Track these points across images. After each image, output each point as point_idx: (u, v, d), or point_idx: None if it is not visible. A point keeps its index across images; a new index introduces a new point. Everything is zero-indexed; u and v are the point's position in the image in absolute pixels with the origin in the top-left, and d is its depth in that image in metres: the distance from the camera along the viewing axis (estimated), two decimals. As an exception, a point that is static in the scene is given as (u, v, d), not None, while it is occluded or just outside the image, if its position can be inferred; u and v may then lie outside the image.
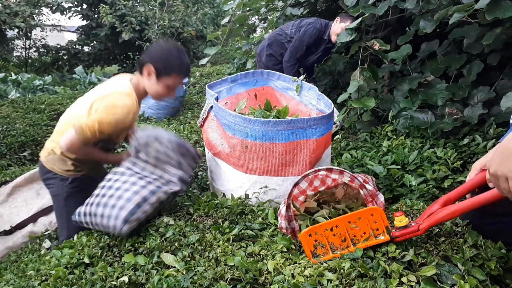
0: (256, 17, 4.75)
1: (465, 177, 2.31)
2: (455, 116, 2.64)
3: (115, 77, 1.91)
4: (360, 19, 2.80)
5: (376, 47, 2.86)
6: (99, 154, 1.81)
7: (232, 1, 3.19)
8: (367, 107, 2.92)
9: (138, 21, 11.09)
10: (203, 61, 3.17)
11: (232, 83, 1.95)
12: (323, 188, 1.26)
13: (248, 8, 4.66)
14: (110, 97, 1.71)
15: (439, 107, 2.76)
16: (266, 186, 1.56)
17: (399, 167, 2.48)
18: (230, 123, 1.55)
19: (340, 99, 3.04)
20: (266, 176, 1.56)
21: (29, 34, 11.94)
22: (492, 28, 2.38)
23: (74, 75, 10.68)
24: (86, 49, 13.92)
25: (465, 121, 2.60)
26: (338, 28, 3.49)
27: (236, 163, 1.60)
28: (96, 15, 12.05)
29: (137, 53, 13.33)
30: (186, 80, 5.42)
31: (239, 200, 1.56)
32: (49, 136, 4.02)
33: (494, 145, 2.43)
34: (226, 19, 3.28)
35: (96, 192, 1.61)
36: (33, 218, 2.31)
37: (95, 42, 13.20)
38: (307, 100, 1.87)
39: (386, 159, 2.64)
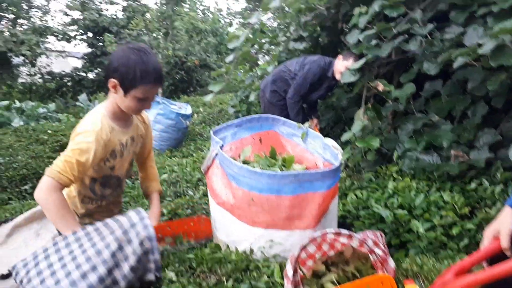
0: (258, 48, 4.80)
1: (474, 224, 2.27)
2: (461, 159, 2.62)
3: (93, 110, 1.73)
4: (363, 60, 2.81)
5: (380, 88, 2.87)
6: (66, 209, 1.54)
7: (236, 40, 3.24)
8: (371, 147, 2.90)
9: (142, 50, 11.26)
10: (207, 97, 3.18)
11: (237, 127, 1.94)
12: (332, 253, 1.22)
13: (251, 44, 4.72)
14: (78, 136, 1.57)
15: (445, 149, 2.73)
16: (271, 241, 1.52)
17: (405, 212, 2.44)
18: (236, 174, 1.52)
19: (344, 138, 3.03)
20: (272, 229, 1.53)
21: (34, 62, 12.11)
22: (496, 72, 2.38)
23: (77, 103, 10.74)
24: (90, 75, 14.11)
25: (472, 165, 2.57)
26: (341, 66, 3.52)
27: (241, 215, 1.57)
28: (101, 43, 12.25)
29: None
30: (189, 112, 5.46)
31: (243, 255, 1.52)
32: (51, 170, 4.04)
33: (502, 191, 2.40)
34: (230, 57, 3.31)
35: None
36: (32, 262, 2.26)
37: (99, 69, 13.38)
38: (313, 148, 1.85)
39: (392, 201, 2.60)
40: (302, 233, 1.53)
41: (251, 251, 1.54)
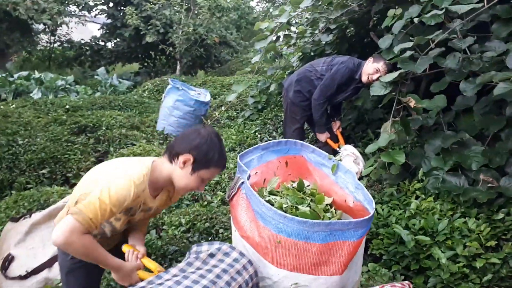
0: (284, 44, 4.67)
1: (499, 258, 2.20)
2: (490, 185, 2.52)
3: (137, 159, 1.68)
4: (396, 73, 2.69)
5: (412, 104, 2.75)
6: (100, 251, 1.49)
7: (263, 40, 3.12)
8: (396, 163, 2.82)
9: (163, 24, 11.10)
10: (230, 97, 3.11)
11: (263, 150, 1.87)
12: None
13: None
14: (117, 180, 1.50)
15: (474, 172, 2.64)
16: (296, 283, 1.49)
17: (428, 238, 2.37)
18: (263, 213, 1.47)
19: (369, 150, 2.94)
20: (297, 272, 1.49)
21: (55, 32, 12.06)
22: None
23: (96, 76, 10.73)
24: (109, 45, 14.03)
25: (501, 192, 2.48)
26: (371, 69, 3.39)
27: (266, 254, 1.53)
28: (121, 15, 12.10)
29: (159, 53, 13.38)
30: (208, 99, 5.39)
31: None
32: (68, 154, 4.05)
33: (531, 223, 2.31)
34: (256, 58, 3.21)
35: None
36: (50, 263, 2.27)
37: (118, 40, 13.27)
38: (343, 183, 1.78)
39: (413, 223, 2.54)
40: (329, 279, 1.50)
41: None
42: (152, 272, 1.60)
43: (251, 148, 1.84)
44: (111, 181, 1.48)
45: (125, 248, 1.71)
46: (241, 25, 15.15)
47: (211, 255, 1.47)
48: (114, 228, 1.62)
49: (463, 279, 2.21)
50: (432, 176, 2.79)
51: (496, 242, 2.29)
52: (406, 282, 1.47)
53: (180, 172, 1.58)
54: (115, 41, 13.58)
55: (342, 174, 1.80)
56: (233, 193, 1.68)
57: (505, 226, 2.37)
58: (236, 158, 4.03)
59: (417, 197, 2.81)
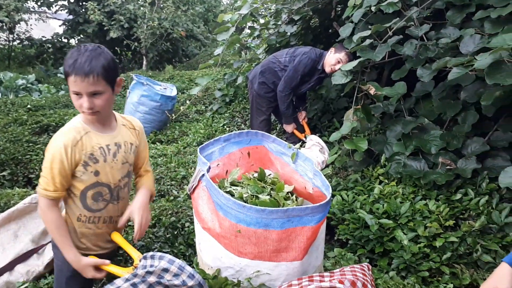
0: (248, 36, 4.65)
1: (457, 237, 2.29)
2: (448, 167, 2.61)
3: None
4: (356, 62, 2.74)
5: (372, 91, 2.81)
6: (63, 231, 1.60)
7: (225, 32, 3.10)
8: (360, 149, 2.87)
9: (127, 19, 10.84)
10: (194, 90, 3.08)
11: (225, 142, 1.87)
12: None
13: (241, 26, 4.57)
14: (48, 145, 1.58)
15: (433, 155, 2.72)
16: (258, 271, 1.50)
17: (390, 221, 2.44)
18: (223, 204, 1.47)
19: (333, 138, 2.98)
20: (258, 260, 1.50)
21: (13, 30, 11.57)
22: (491, 86, 2.34)
23: (59, 74, 10.39)
24: (72, 42, 13.59)
25: (458, 173, 2.57)
26: (333, 59, 3.44)
27: (227, 244, 1.53)
28: (83, 10, 11.73)
29: (125, 49, 13.08)
30: (174, 94, 5.32)
31: (232, 286, 1.49)
32: (30, 155, 3.92)
33: (486, 202, 2.42)
34: (219, 50, 3.19)
35: None
36: (10, 266, 2.19)
37: (81, 36, 12.87)
38: (303, 170, 1.80)
39: (377, 207, 2.60)
40: (289, 265, 1.51)
41: (238, 282, 1.51)
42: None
43: (212, 140, 1.84)
44: (46, 149, 1.58)
45: (113, 236, 1.76)
46: (208, 18, 14.99)
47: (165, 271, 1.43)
48: (105, 185, 1.68)
49: (424, 258, 2.29)
50: (394, 161, 2.86)
51: (454, 222, 2.38)
52: (365, 263, 1.51)
53: None
54: (78, 37, 13.14)
55: (302, 162, 1.81)
56: (194, 186, 1.67)
57: (462, 206, 2.47)
58: (204, 152, 4.02)
59: (380, 182, 2.88)
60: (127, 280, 1.43)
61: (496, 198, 2.43)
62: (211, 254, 1.61)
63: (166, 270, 1.37)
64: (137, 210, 1.70)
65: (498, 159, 2.57)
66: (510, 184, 2.09)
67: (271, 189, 1.68)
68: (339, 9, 4.54)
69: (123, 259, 1.93)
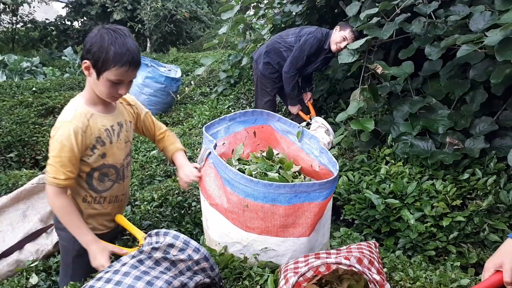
0: (253, 16, 4.58)
1: (464, 216, 2.29)
2: (456, 147, 2.59)
3: (69, 101, 1.67)
4: (363, 40, 2.69)
5: (379, 70, 2.77)
6: (75, 216, 1.59)
7: (230, 11, 3.05)
8: (366, 130, 2.85)
9: (130, 0, 10.75)
10: (199, 71, 3.05)
11: (230, 121, 1.86)
12: (324, 269, 1.20)
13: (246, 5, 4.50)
14: (53, 131, 1.56)
15: (440, 135, 2.70)
16: (265, 247, 1.50)
17: (397, 201, 2.44)
18: (231, 179, 1.47)
19: (339, 118, 2.96)
20: (266, 235, 1.51)
21: (16, 12, 11.50)
22: (500, 64, 2.29)
23: (63, 57, 10.34)
24: (75, 25, 13.51)
25: (466, 153, 2.55)
26: (338, 37, 3.39)
27: (235, 219, 1.55)
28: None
29: (129, 31, 12.98)
30: (179, 75, 5.29)
31: (236, 260, 1.50)
32: (36, 136, 3.94)
33: (494, 181, 2.40)
34: (223, 29, 3.14)
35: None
36: (20, 245, 2.22)
37: (85, 18, 12.80)
38: (309, 148, 1.79)
39: (383, 187, 2.60)
40: (296, 241, 1.52)
41: (245, 259, 1.52)
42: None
43: (217, 119, 1.83)
44: (52, 137, 1.55)
45: (117, 218, 1.80)
46: (212, 0, 14.82)
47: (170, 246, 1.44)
48: (111, 165, 1.69)
49: (430, 238, 2.29)
50: (401, 142, 2.84)
51: (461, 201, 2.37)
52: (372, 241, 1.51)
53: (91, 81, 1.55)
54: (81, 20, 13.09)
55: (307, 140, 1.81)
56: (201, 164, 1.67)
57: (470, 185, 2.45)
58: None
59: (387, 163, 2.87)
60: (133, 257, 1.44)
61: (504, 178, 2.41)
62: (219, 230, 1.62)
63: (171, 245, 1.38)
64: (189, 173, 1.74)
65: (507, 139, 2.54)
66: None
67: (280, 167, 1.68)
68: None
69: (131, 238, 1.94)
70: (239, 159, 1.79)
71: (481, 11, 2.53)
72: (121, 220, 1.81)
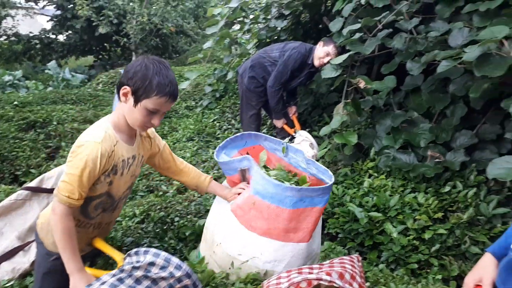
0: (239, 30, 4.62)
1: (446, 229, 2.31)
2: (437, 160, 2.62)
3: (96, 122, 1.65)
4: (346, 55, 2.73)
5: (362, 85, 2.81)
6: (73, 243, 1.52)
7: (215, 26, 3.08)
8: (349, 143, 2.88)
9: (116, 14, 10.75)
10: (184, 85, 3.05)
11: (223, 149, 1.88)
12: (305, 285, 1.19)
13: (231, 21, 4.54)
14: (79, 149, 1.50)
15: (422, 149, 2.73)
16: (264, 250, 1.55)
17: (380, 214, 2.45)
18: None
19: (323, 132, 2.98)
20: (267, 237, 1.55)
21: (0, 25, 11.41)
22: (479, 79, 2.35)
23: (47, 70, 10.26)
24: (60, 38, 13.43)
25: (447, 166, 2.59)
26: (321, 52, 3.43)
27: (241, 216, 1.60)
28: (71, 5, 11.59)
29: (114, 45, 12.97)
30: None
31: (220, 278, 1.48)
32: (16, 151, 3.86)
33: (475, 194, 2.43)
34: (208, 43, 3.16)
35: None
36: (-4, 263, 2.17)
37: (69, 32, 12.73)
38: (296, 162, 1.84)
39: (367, 200, 2.61)
40: (296, 246, 1.56)
41: (226, 275, 1.50)
42: None
43: (216, 151, 1.84)
44: (75, 153, 1.49)
45: (95, 242, 1.76)
46: (198, 14, 14.90)
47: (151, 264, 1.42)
48: (111, 196, 1.66)
49: (413, 251, 2.30)
50: (383, 155, 2.87)
51: (443, 214, 2.39)
52: (355, 255, 1.50)
53: (126, 107, 1.52)
54: (66, 33, 13.01)
55: (293, 154, 1.84)
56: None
57: (451, 198, 2.48)
58: (194, 148, 3.99)
59: (370, 176, 2.88)
60: (113, 275, 1.41)
61: (484, 190, 2.44)
62: (223, 227, 1.67)
63: (152, 263, 1.36)
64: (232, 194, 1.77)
65: (486, 152, 2.59)
66: (497, 175, 2.09)
67: (296, 181, 1.71)
68: (329, 3, 4.54)
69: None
70: (264, 166, 1.85)
71: (460, 27, 2.60)
72: (99, 243, 1.78)
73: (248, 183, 1.71)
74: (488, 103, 2.65)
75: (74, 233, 1.53)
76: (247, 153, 1.89)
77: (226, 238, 1.64)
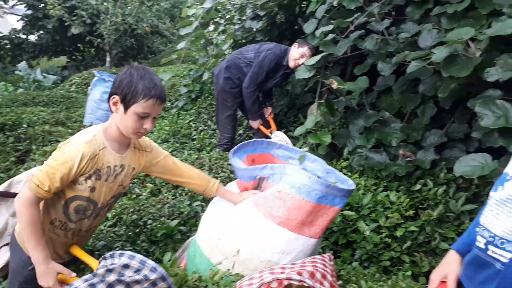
0: (214, 31, 4.60)
1: (417, 226, 2.36)
2: (408, 159, 2.68)
3: (90, 127, 1.70)
4: (319, 57, 2.76)
5: (334, 85, 2.84)
6: (38, 231, 1.53)
7: (189, 26, 3.06)
8: (323, 143, 2.91)
9: (89, 14, 10.53)
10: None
11: (234, 154, 1.89)
12: (276, 285, 1.20)
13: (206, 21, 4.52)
14: (64, 145, 1.54)
15: (393, 148, 2.79)
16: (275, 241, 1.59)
17: (353, 213, 2.48)
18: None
19: (297, 132, 3.01)
20: (283, 227, 1.59)
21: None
22: (447, 79, 2.41)
23: (17, 71, 9.96)
24: (31, 38, 13.07)
25: (418, 165, 2.64)
26: (296, 54, 3.45)
27: (262, 204, 1.63)
28: (42, 5, 11.29)
29: (88, 45, 12.71)
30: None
31: (193, 281, 1.47)
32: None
33: (444, 191, 2.49)
34: (182, 44, 3.14)
35: None
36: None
37: (41, 32, 12.40)
38: (312, 171, 1.90)
39: (341, 199, 2.64)
40: (307, 240, 1.61)
41: (199, 277, 1.48)
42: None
43: (230, 156, 1.87)
44: (60, 149, 1.54)
45: (72, 249, 1.74)
46: (174, 14, 14.78)
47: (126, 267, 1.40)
48: (93, 202, 1.66)
49: (385, 248, 2.34)
50: (356, 154, 2.91)
51: (414, 212, 2.44)
52: (327, 254, 1.52)
53: (117, 117, 1.57)
54: (38, 33, 12.66)
55: (310, 163, 1.91)
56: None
57: (422, 196, 2.54)
58: (169, 149, 3.95)
59: (344, 175, 2.91)
60: (86, 280, 1.38)
61: (453, 188, 2.51)
62: (236, 216, 1.71)
63: (127, 266, 1.34)
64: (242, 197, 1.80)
65: (455, 150, 2.66)
66: (464, 172, 2.16)
67: None
68: (304, 5, 4.57)
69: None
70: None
71: (429, 29, 2.67)
72: (76, 250, 1.75)
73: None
74: (457, 103, 2.73)
75: (40, 223, 1.54)
76: (253, 160, 1.92)
77: (238, 226, 1.67)
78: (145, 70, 1.56)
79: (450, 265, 1.14)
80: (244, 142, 1.95)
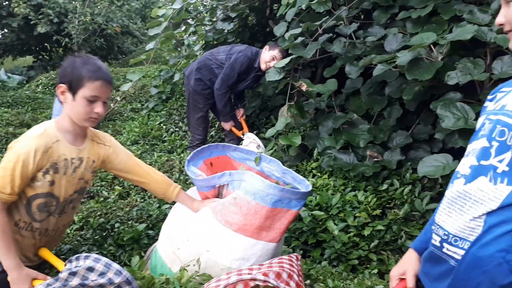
0: (184, 32, 4.57)
1: (384, 225, 2.41)
2: (375, 159, 2.74)
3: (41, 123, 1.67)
4: (288, 59, 2.79)
5: (304, 88, 2.88)
6: (7, 238, 1.49)
7: (157, 27, 3.03)
8: (294, 144, 2.94)
9: (56, 13, 10.23)
10: (125, 86, 2.97)
11: (190, 162, 1.86)
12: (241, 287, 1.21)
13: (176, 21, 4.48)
14: (14, 144, 1.52)
15: (361, 149, 2.85)
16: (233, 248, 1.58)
17: (322, 213, 2.52)
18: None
19: (269, 134, 3.03)
20: (240, 234, 1.58)
21: None
22: (412, 82, 2.49)
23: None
24: (-5, 36, 12.59)
25: (384, 165, 2.71)
26: (268, 56, 3.48)
27: (220, 211, 1.61)
28: (6, 2, 10.90)
29: (55, 45, 12.36)
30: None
31: (160, 284, 1.45)
32: None
33: (410, 191, 2.57)
34: (151, 44, 3.10)
35: None
36: None
37: (5, 31, 11.96)
38: (269, 171, 1.92)
39: (310, 199, 2.67)
40: (266, 245, 1.60)
41: (167, 280, 1.47)
42: None
43: (185, 165, 1.84)
44: (11, 148, 1.52)
45: (40, 251, 1.71)
46: (146, 14, 14.56)
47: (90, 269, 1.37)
48: (55, 197, 1.62)
49: (353, 247, 2.39)
50: (326, 155, 2.96)
51: (381, 211, 2.50)
52: (294, 254, 1.54)
53: (68, 106, 1.57)
54: (1, 32, 12.21)
55: (266, 164, 1.93)
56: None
57: (389, 195, 2.60)
58: (138, 152, 3.90)
59: (313, 176, 2.96)
60: (48, 285, 1.35)
61: (419, 187, 2.59)
62: (193, 224, 1.69)
63: (91, 269, 1.31)
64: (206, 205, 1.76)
65: (420, 151, 2.75)
66: (427, 172, 2.23)
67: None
68: (275, 7, 4.61)
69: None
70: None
71: (395, 33, 2.75)
72: (44, 252, 1.71)
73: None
74: (422, 105, 2.82)
75: (9, 229, 1.52)
76: (211, 163, 1.91)
77: (197, 233, 1.66)
78: (88, 56, 1.59)
79: (409, 262, 1.18)
80: (198, 148, 1.95)
